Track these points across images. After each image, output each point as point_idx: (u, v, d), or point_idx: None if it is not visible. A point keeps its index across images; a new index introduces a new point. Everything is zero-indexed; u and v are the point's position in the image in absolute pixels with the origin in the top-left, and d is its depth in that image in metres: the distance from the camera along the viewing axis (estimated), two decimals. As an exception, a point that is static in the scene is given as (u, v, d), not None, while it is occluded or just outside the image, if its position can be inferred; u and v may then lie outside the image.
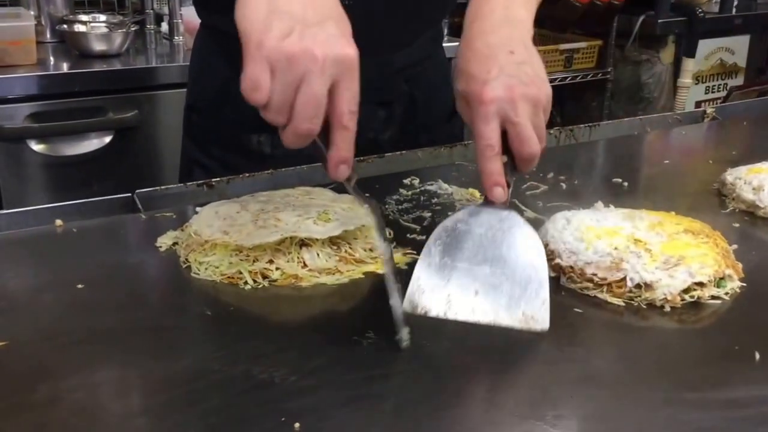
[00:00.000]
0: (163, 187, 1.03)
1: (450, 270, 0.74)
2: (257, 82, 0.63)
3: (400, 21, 1.08)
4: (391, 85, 1.14)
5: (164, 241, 0.89)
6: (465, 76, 0.76)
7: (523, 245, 0.74)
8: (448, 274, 0.74)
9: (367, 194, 0.75)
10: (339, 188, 1.00)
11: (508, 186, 0.75)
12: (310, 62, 0.63)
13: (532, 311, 0.72)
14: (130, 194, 1.00)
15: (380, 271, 0.85)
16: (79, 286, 0.80)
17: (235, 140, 1.15)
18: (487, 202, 0.76)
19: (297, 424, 0.59)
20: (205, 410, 0.62)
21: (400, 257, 0.85)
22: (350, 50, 0.65)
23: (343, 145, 0.67)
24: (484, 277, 0.73)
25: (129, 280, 0.84)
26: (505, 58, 0.76)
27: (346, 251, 0.85)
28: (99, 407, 0.63)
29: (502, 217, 0.75)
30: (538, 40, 2.95)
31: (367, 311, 0.79)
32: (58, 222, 0.94)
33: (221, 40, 1.15)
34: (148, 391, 0.64)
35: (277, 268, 0.82)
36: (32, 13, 2.07)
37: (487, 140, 0.73)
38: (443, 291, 0.73)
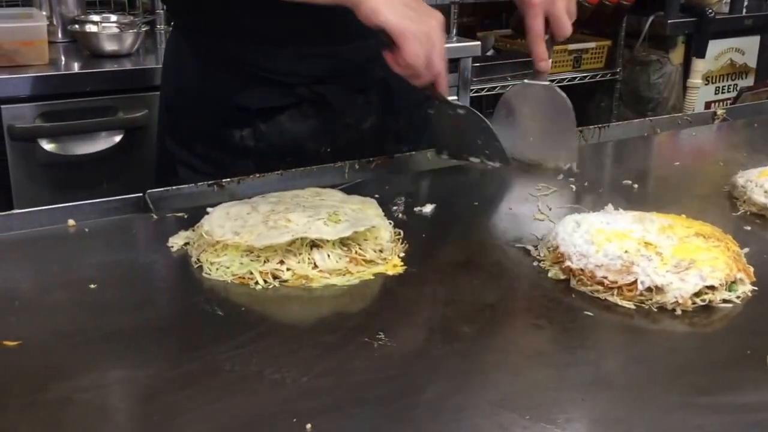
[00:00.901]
0: (174, 188, 1.04)
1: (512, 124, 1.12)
2: (416, 54, 0.93)
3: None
4: (367, 71, 1.18)
5: (176, 242, 0.90)
6: None
7: (558, 108, 1.09)
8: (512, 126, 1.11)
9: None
10: (349, 189, 1.00)
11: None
12: (434, 31, 0.95)
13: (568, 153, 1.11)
14: (141, 194, 1.01)
15: (390, 273, 0.85)
16: (92, 285, 0.80)
17: (218, 137, 1.16)
18: (536, 73, 1.09)
19: (309, 425, 0.60)
20: (217, 410, 0.62)
21: (390, 267, 0.86)
22: (440, 14, 0.97)
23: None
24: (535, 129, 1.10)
25: (141, 280, 0.85)
26: None
27: (356, 252, 0.85)
28: (111, 407, 0.64)
29: (545, 88, 1.10)
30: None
31: (378, 312, 0.80)
32: (71, 222, 0.95)
33: (191, 38, 1.16)
34: (160, 391, 0.65)
35: (288, 269, 0.82)
36: (44, 13, 2.08)
37: (536, 30, 1.04)
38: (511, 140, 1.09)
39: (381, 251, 0.87)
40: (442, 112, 1.07)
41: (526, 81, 1.12)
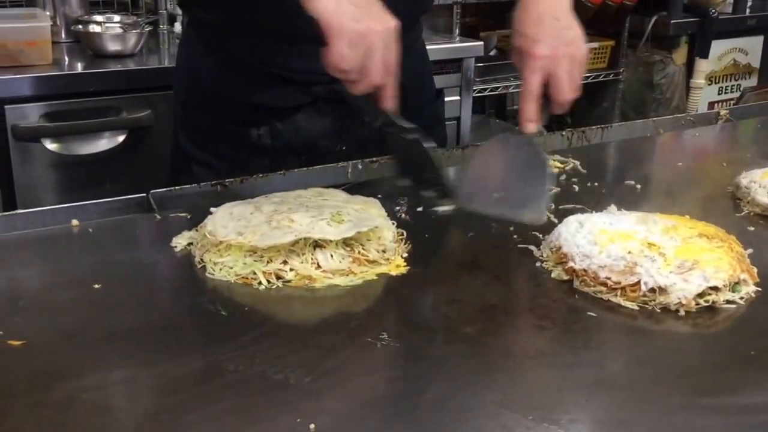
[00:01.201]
0: (177, 188, 1.04)
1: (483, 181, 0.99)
2: (342, 54, 0.84)
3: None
4: None
5: (179, 242, 0.90)
6: (519, 35, 0.96)
7: (533, 163, 0.96)
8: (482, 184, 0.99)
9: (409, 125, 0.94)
10: (351, 189, 1.00)
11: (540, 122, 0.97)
12: (374, 35, 0.84)
13: (537, 211, 0.93)
14: (144, 194, 1.01)
15: (393, 273, 0.85)
16: (96, 285, 0.81)
17: (234, 135, 1.16)
18: (519, 131, 0.97)
19: (312, 425, 0.60)
20: (221, 410, 0.62)
21: (393, 268, 0.86)
22: (393, 22, 0.87)
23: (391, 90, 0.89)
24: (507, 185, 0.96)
25: (145, 280, 0.85)
26: (552, 24, 0.95)
27: (359, 252, 0.85)
28: (115, 406, 0.64)
29: (527, 143, 0.97)
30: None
31: (381, 313, 0.80)
32: (75, 222, 0.95)
33: (205, 34, 1.16)
34: (164, 391, 0.65)
35: (291, 269, 0.82)
36: (48, 13, 2.08)
37: (530, 87, 0.94)
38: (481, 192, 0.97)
39: (384, 251, 0.87)
40: (394, 132, 0.94)
41: (508, 134, 1.03)
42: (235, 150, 1.16)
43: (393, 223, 0.92)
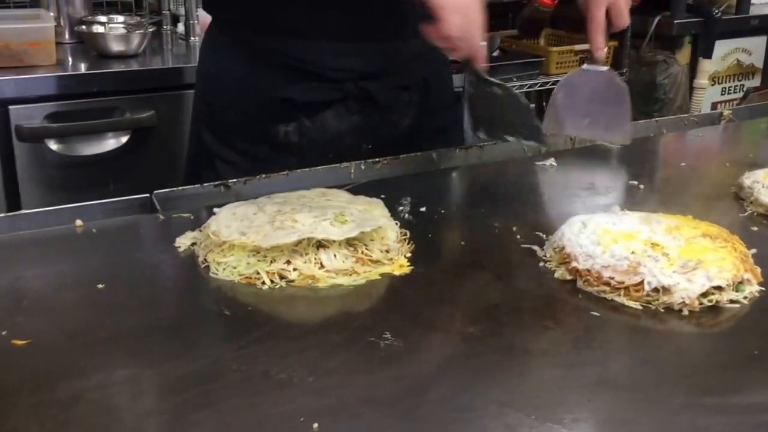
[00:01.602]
0: (180, 188, 1.04)
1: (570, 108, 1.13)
2: (452, 24, 0.93)
3: (410, 11, 1.12)
4: (411, 69, 1.19)
5: (183, 242, 0.90)
6: None
7: (613, 91, 1.11)
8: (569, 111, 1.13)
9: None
10: (355, 190, 1.01)
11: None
12: (473, 5, 0.95)
13: (624, 132, 1.13)
14: (148, 195, 1.01)
15: (396, 273, 0.85)
16: (99, 285, 0.81)
17: (262, 132, 1.16)
18: (592, 60, 1.11)
19: (315, 425, 0.60)
20: (224, 410, 0.62)
21: (397, 268, 0.86)
22: None
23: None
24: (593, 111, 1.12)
25: (148, 280, 0.85)
26: None
27: (362, 252, 0.85)
28: (119, 405, 0.64)
29: (603, 73, 1.12)
30: (553, 40, 2.94)
31: (384, 312, 0.80)
32: (78, 222, 0.95)
33: (234, 32, 1.16)
34: (167, 391, 0.65)
35: (294, 269, 0.82)
36: (52, 14, 2.09)
37: (599, 21, 1.06)
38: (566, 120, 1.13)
39: (387, 251, 0.87)
40: (479, 90, 1.07)
41: (584, 66, 1.14)
42: (262, 147, 1.17)
43: (396, 223, 0.92)
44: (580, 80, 1.13)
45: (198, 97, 1.26)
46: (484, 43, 0.99)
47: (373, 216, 0.90)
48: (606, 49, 1.09)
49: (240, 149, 1.18)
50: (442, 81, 1.29)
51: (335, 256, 0.84)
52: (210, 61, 1.24)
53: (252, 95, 1.16)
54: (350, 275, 0.83)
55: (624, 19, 1.07)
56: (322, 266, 0.83)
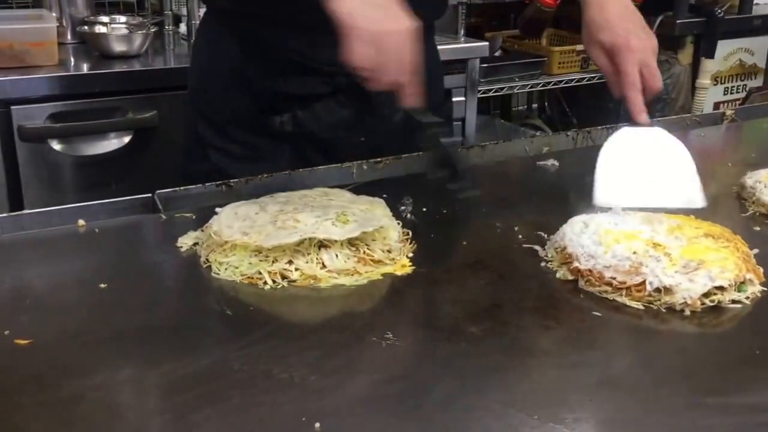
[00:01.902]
0: (182, 188, 1.04)
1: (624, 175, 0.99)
2: (357, 54, 0.85)
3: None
4: None
5: (185, 242, 0.90)
6: (608, 31, 1.03)
7: (672, 149, 1.01)
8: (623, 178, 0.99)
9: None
10: (357, 190, 1.01)
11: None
12: (389, 36, 0.86)
13: (691, 195, 0.97)
14: (150, 195, 1.01)
15: (398, 273, 0.85)
16: (102, 285, 0.81)
17: (256, 121, 1.16)
18: (634, 123, 1.02)
19: (317, 424, 0.60)
20: (226, 409, 0.62)
21: (399, 267, 0.86)
22: (411, 22, 0.87)
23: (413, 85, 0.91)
24: (650, 176, 0.99)
25: (150, 280, 0.85)
26: (635, 19, 1.05)
27: (364, 252, 0.85)
28: (121, 405, 0.64)
29: (652, 132, 1.02)
30: (555, 40, 2.94)
31: (386, 312, 0.80)
32: (81, 222, 0.95)
33: (229, 22, 1.15)
34: (170, 390, 0.65)
35: (296, 269, 0.82)
36: (54, 14, 2.09)
37: (634, 79, 1.00)
38: (623, 189, 0.98)
39: (389, 251, 0.87)
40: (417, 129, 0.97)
41: (625, 128, 1.03)
42: (256, 136, 1.17)
43: (398, 223, 0.92)
44: (627, 143, 1.01)
45: (192, 87, 1.25)
46: (415, 77, 0.89)
47: (375, 216, 0.90)
48: (647, 115, 1.00)
49: (234, 138, 1.18)
50: (431, 84, 1.24)
51: (337, 256, 0.84)
52: (205, 50, 1.24)
53: (246, 85, 1.15)
54: (352, 275, 0.83)
55: (659, 83, 1.00)
56: (323, 266, 0.83)
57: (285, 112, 1.15)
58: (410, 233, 0.92)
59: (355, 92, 1.14)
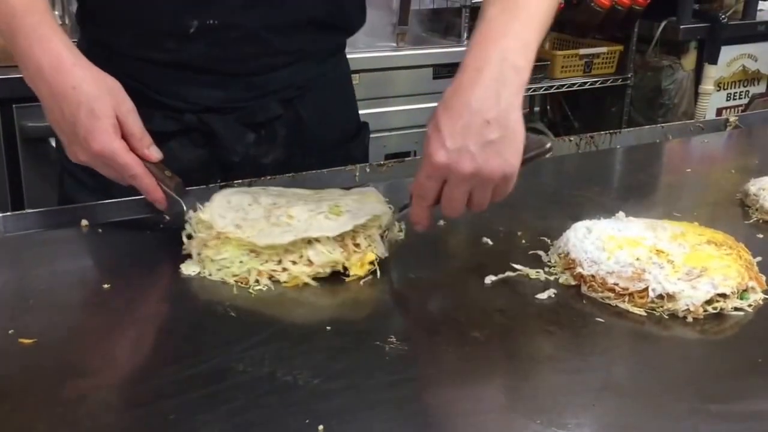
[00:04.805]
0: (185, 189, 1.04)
1: None
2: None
3: (276, 44, 1.03)
4: (262, 107, 1.07)
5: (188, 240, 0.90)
6: (435, 119, 0.76)
7: None
8: None
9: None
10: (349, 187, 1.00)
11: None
12: (90, 164, 0.88)
13: None
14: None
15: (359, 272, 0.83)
16: (105, 286, 0.81)
17: None
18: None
19: (321, 426, 0.60)
20: (230, 411, 0.62)
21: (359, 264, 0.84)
22: (98, 145, 0.86)
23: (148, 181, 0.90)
24: None
25: (154, 280, 0.85)
26: (478, 129, 0.74)
27: (350, 241, 0.84)
28: (125, 405, 0.64)
29: None
30: (558, 44, 2.94)
31: (389, 316, 0.80)
32: (84, 222, 0.96)
33: (94, 50, 1.02)
34: (174, 391, 0.65)
35: (284, 269, 0.81)
36: (57, 13, 2.09)
37: (424, 194, 0.79)
38: None
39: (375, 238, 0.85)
40: None
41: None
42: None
43: (390, 208, 0.90)
44: None
45: None
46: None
47: (368, 203, 0.88)
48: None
49: (87, 168, 1.00)
50: (328, 117, 1.13)
51: (323, 251, 0.82)
52: None
53: None
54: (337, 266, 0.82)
55: (450, 214, 0.80)
56: (310, 263, 0.82)
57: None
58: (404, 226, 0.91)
59: (207, 133, 1.06)
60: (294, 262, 0.82)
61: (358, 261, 0.84)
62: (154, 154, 0.90)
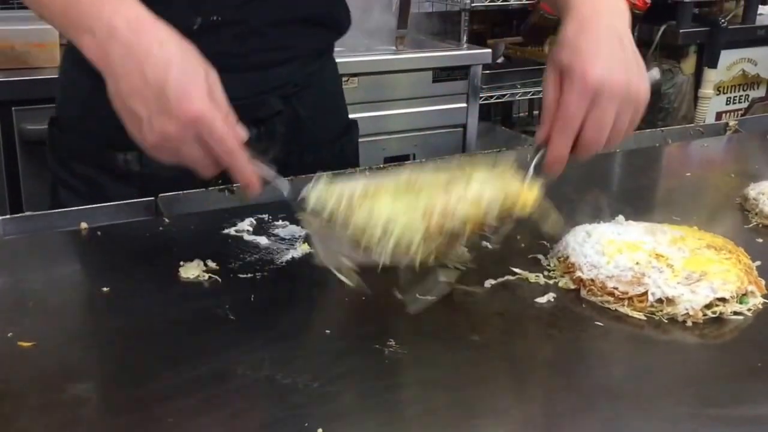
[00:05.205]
0: (185, 192, 1.04)
1: None
2: (156, 157, 0.75)
3: (276, 40, 1.05)
4: (264, 103, 1.07)
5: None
6: (572, 49, 0.76)
7: None
8: None
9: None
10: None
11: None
12: (175, 140, 0.72)
13: None
14: (152, 198, 1.01)
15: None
16: (104, 289, 0.81)
17: (100, 157, 1.06)
18: (540, 172, 0.75)
19: (320, 430, 0.60)
20: (229, 414, 0.62)
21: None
22: (197, 105, 0.71)
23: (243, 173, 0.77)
24: None
25: (153, 283, 0.85)
26: (617, 44, 0.76)
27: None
28: (124, 408, 0.64)
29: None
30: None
31: (388, 320, 0.80)
32: (83, 225, 0.95)
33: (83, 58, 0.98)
34: (173, 394, 0.65)
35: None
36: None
37: (572, 116, 0.73)
38: None
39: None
40: None
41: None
42: (102, 174, 1.07)
43: None
44: None
45: (50, 117, 1.15)
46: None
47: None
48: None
49: (79, 175, 1.06)
50: (323, 114, 1.15)
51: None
52: (63, 78, 1.13)
53: (95, 117, 1.01)
54: None
55: (595, 142, 0.76)
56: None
57: (130, 150, 1.02)
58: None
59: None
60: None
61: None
62: (243, 132, 0.76)
